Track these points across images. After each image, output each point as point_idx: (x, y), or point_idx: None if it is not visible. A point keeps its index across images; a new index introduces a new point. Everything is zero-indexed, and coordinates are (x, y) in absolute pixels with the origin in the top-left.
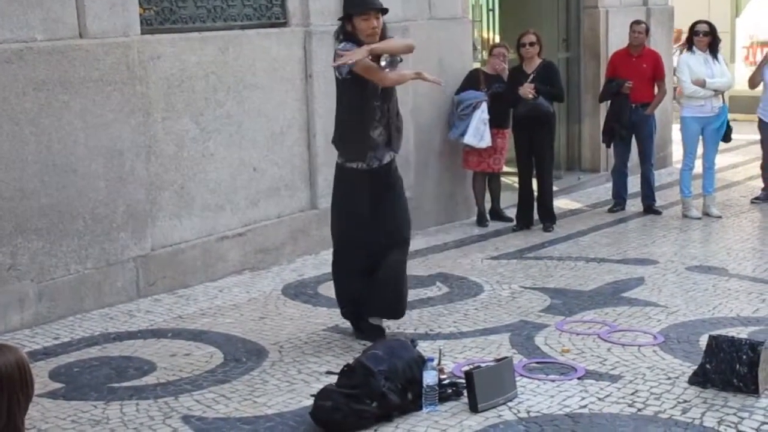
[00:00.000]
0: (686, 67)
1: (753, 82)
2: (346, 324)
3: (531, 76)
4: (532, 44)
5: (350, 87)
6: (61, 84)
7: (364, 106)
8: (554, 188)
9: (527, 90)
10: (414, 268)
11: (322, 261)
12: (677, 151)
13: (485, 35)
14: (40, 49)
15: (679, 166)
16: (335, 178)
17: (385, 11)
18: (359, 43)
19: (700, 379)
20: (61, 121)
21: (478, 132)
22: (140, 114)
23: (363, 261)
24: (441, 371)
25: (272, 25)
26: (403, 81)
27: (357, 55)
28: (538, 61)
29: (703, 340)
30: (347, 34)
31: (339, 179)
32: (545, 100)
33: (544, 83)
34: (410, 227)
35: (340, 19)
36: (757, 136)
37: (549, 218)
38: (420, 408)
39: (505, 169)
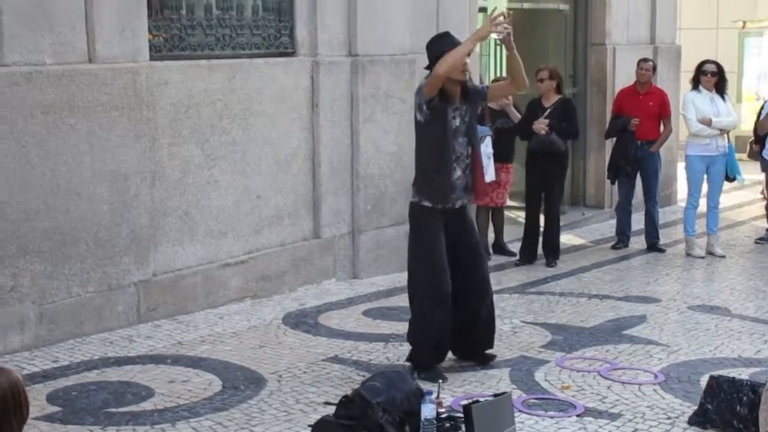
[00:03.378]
0: (692, 105)
1: (764, 128)
2: (346, 354)
3: (547, 111)
4: (541, 81)
5: (428, 128)
6: (69, 107)
7: (436, 146)
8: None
9: (540, 125)
10: None
11: (324, 290)
12: (682, 189)
13: (493, 69)
14: (49, 72)
15: (684, 204)
16: (412, 221)
17: None
18: (444, 84)
19: (700, 419)
20: (67, 144)
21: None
22: (146, 139)
23: (449, 306)
24: (439, 405)
25: (280, 55)
26: (461, 56)
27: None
28: (556, 97)
29: (704, 380)
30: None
31: (414, 219)
32: (557, 137)
33: (560, 119)
34: (487, 269)
35: (429, 65)
36: (762, 176)
37: (553, 254)
38: None
39: (509, 203)
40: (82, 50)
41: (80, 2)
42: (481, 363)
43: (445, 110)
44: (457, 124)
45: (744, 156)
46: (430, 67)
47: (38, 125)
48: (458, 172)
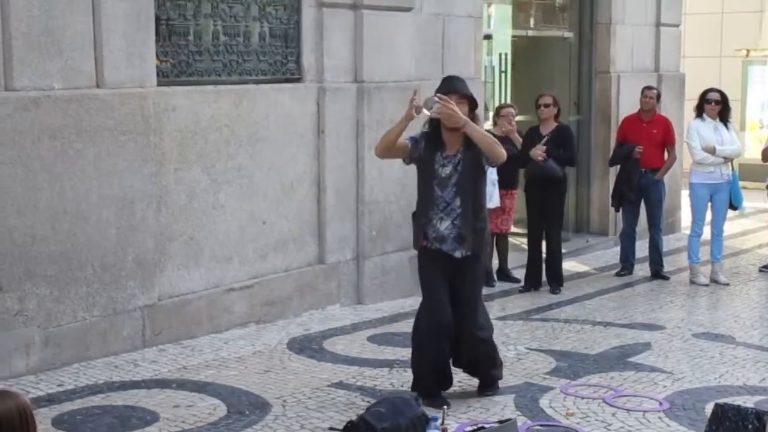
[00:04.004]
0: (696, 133)
1: (767, 156)
2: (351, 380)
3: (545, 138)
4: (546, 106)
5: (418, 173)
6: (77, 132)
7: (422, 193)
8: (563, 250)
9: (538, 152)
10: None
11: (329, 316)
12: (686, 217)
13: (497, 96)
14: (57, 97)
15: (688, 231)
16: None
17: (470, 99)
18: (438, 131)
19: None
20: (74, 168)
21: (486, 192)
22: (153, 164)
23: (445, 337)
24: (444, 431)
25: (287, 81)
26: (390, 138)
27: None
28: (554, 124)
29: (709, 408)
30: (433, 120)
31: (417, 255)
32: (555, 164)
33: (557, 146)
34: (477, 323)
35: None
36: (767, 205)
37: (556, 281)
38: None
39: (513, 229)
40: (91, 75)
41: (89, 28)
42: (480, 392)
43: (431, 158)
44: (448, 172)
45: (748, 184)
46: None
47: (46, 150)
48: (447, 222)
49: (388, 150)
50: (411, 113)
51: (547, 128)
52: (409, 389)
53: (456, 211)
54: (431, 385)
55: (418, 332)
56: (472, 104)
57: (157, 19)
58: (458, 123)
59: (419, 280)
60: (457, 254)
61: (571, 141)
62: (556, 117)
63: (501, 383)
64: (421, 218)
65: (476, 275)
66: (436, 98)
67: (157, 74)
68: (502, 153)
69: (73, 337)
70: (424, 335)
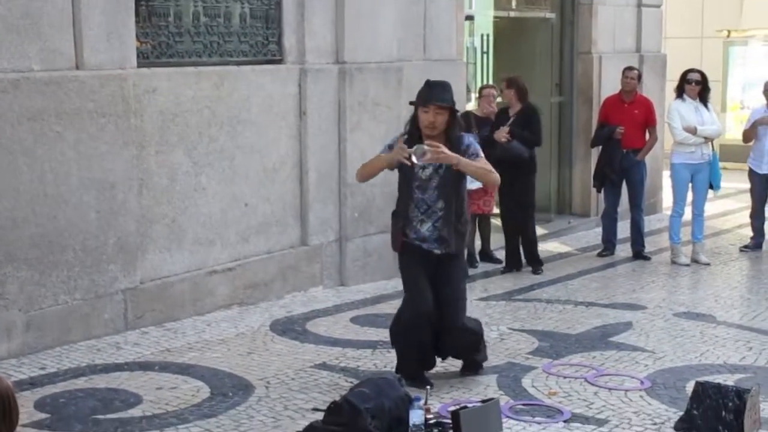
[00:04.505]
0: (677, 114)
1: (747, 138)
2: (334, 361)
3: (510, 120)
4: (500, 90)
5: (398, 174)
6: (56, 115)
7: (402, 194)
8: (544, 231)
9: (501, 134)
10: None
11: (311, 298)
12: (667, 198)
13: (479, 77)
14: (37, 79)
15: (669, 212)
16: None
17: (449, 108)
18: (418, 133)
19: (686, 425)
20: (54, 151)
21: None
22: (134, 146)
23: (425, 323)
24: (428, 411)
25: (268, 62)
26: (372, 171)
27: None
28: (519, 105)
29: (690, 387)
30: (413, 121)
31: (399, 252)
32: (520, 145)
33: (522, 128)
34: (460, 315)
35: (411, 103)
36: (747, 185)
37: (535, 262)
38: None
39: (495, 210)
40: (70, 57)
41: (68, 9)
42: (463, 373)
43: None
44: (428, 174)
45: (728, 165)
46: (414, 104)
47: (25, 132)
48: (428, 224)
49: (369, 178)
50: (399, 159)
51: (514, 110)
52: (393, 370)
53: (438, 213)
54: (415, 368)
55: (400, 321)
56: (453, 110)
57: (137, 0)
58: (451, 162)
59: (401, 275)
60: (437, 251)
61: (536, 122)
62: (522, 98)
63: (484, 363)
64: (400, 220)
65: (458, 273)
66: (426, 146)
67: (138, 56)
68: (497, 179)
69: (54, 321)
70: (408, 324)
